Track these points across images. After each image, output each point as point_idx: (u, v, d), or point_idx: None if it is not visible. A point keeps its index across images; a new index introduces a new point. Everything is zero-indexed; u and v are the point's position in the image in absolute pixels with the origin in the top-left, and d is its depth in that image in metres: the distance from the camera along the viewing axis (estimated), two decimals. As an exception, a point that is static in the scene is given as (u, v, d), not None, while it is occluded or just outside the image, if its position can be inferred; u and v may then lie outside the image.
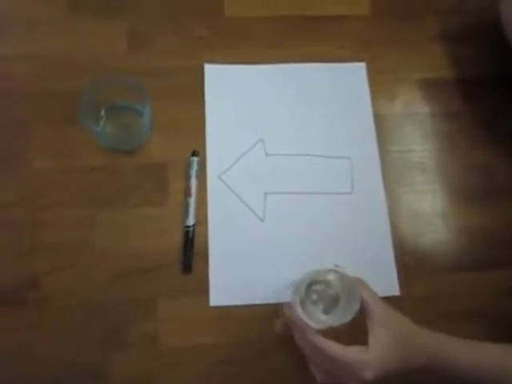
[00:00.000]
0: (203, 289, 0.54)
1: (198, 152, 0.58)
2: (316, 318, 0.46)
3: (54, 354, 0.52)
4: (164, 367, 0.52)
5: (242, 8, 0.66)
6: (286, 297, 0.54)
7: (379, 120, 0.63)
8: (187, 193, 0.57)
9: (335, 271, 0.47)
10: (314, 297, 0.49)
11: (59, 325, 0.53)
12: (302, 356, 0.47)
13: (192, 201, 0.56)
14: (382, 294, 0.55)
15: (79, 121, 0.52)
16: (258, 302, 0.54)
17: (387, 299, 0.55)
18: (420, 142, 0.63)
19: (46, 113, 0.60)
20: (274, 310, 0.54)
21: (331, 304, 0.49)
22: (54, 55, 0.62)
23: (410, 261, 0.57)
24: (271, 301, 0.54)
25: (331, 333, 0.46)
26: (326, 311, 0.49)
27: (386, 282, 0.56)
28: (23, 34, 0.63)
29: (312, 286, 0.49)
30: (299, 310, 0.47)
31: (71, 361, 0.52)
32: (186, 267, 0.54)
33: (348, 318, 0.45)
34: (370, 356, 0.43)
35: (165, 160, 0.59)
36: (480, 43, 0.67)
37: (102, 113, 0.58)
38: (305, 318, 0.48)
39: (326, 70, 0.64)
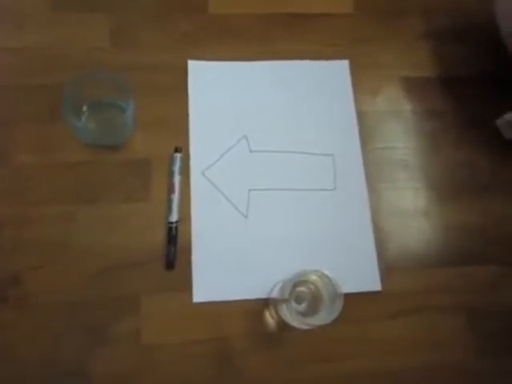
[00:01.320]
0: (186, 285, 0.54)
1: (181, 148, 0.58)
2: (299, 318, 0.47)
3: (36, 353, 0.51)
4: (147, 364, 0.52)
5: (226, 5, 0.66)
6: (272, 293, 0.54)
7: (362, 117, 0.63)
8: (170, 189, 0.57)
9: (320, 272, 0.47)
10: (299, 297, 0.50)
11: (41, 322, 0.52)
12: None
13: (175, 197, 0.56)
14: (363, 288, 0.56)
15: (62, 115, 0.52)
16: (241, 297, 0.54)
17: (368, 294, 0.56)
18: (403, 139, 0.63)
19: (28, 107, 0.59)
20: (259, 306, 0.55)
21: (315, 304, 0.49)
22: (37, 49, 0.61)
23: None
24: (255, 296, 0.55)
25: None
26: (310, 311, 0.49)
27: (367, 277, 0.57)
28: (6, 28, 0.62)
29: (297, 287, 0.50)
30: (284, 310, 0.48)
31: (53, 359, 0.51)
32: (169, 263, 0.54)
33: (331, 318, 0.46)
34: None
35: (148, 156, 0.58)
36: (465, 43, 0.68)
37: (84, 108, 0.58)
38: (288, 318, 0.49)
39: (309, 67, 0.64)
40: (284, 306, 0.48)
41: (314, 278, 0.49)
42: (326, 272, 0.47)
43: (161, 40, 0.63)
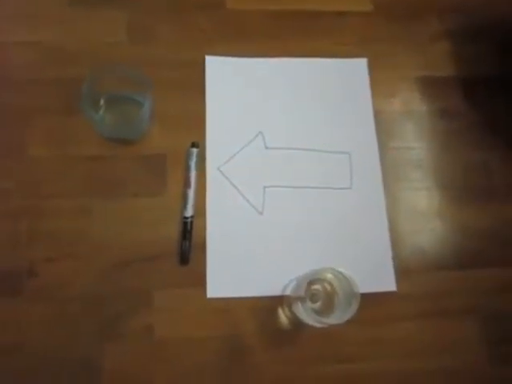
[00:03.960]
0: (200, 280, 0.54)
1: (198, 143, 0.58)
2: (314, 316, 0.46)
3: (49, 345, 0.51)
4: (160, 359, 0.52)
5: (244, 1, 0.66)
6: (286, 291, 0.54)
7: (379, 116, 0.63)
8: (186, 184, 0.56)
9: (335, 271, 0.47)
10: (314, 295, 0.50)
11: (54, 315, 0.52)
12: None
13: (191, 192, 0.56)
14: (378, 289, 0.56)
15: (79, 108, 0.52)
16: (255, 294, 0.54)
17: (383, 294, 0.56)
18: (418, 139, 0.63)
19: (45, 101, 0.59)
20: (272, 303, 0.54)
21: (330, 303, 0.49)
22: (55, 44, 0.61)
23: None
24: (268, 293, 0.54)
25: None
26: (325, 310, 0.49)
27: (382, 276, 0.56)
28: (25, 24, 0.62)
29: (312, 285, 0.50)
30: (298, 308, 0.48)
31: (66, 352, 0.51)
32: (184, 258, 0.54)
33: (346, 317, 0.45)
34: None
35: (164, 151, 0.58)
36: (481, 43, 0.67)
37: (102, 102, 0.58)
38: (302, 316, 0.48)
39: (327, 64, 0.64)
40: (299, 304, 0.48)
41: (329, 276, 0.49)
42: (342, 270, 0.46)
43: (178, 35, 0.63)
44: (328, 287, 0.49)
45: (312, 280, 0.48)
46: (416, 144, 0.63)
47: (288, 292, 0.54)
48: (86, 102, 0.53)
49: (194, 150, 0.57)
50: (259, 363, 0.53)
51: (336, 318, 0.46)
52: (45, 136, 0.58)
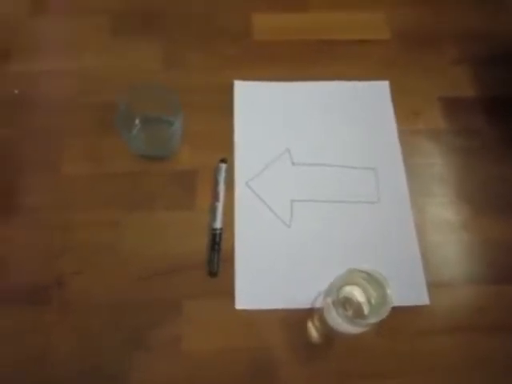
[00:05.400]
0: (229, 292, 0.54)
1: (227, 159, 0.60)
2: (350, 319, 0.45)
3: (76, 355, 0.51)
4: (187, 371, 0.51)
5: (269, 32, 0.70)
6: (315, 304, 0.53)
7: (402, 135, 0.64)
8: (215, 197, 0.58)
9: (363, 273, 0.46)
10: (346, 299, 0.49)
11: (82, 325, 0.52)
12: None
13: (219, 205, 0.57)
14: (411, 302, 0.54)
15: (115, 126, 0.55)
16: (283, 306, 0.53)
17: (417, 308, 0.54)
18: (441, 155, 0.64)
19: (82, 123, 0.63)
20: (301, 316, 0.53)
21: (362, 305, 0.48)
22: (93, 71, 0.66)
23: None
24: (297, 306, 0.53)
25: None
26: (359, 312, 0.48)
27: (415, 290, 0.55)
28: (68, 53, 0.68)
29: (342, 289, 0.49)
30: (333, 314, 0.46)
31: (92, 362, 0.51)
32: (212, 270, 0.54)
33: (382, 316, 0.44)
34: None
35: (194, 167, 0.60)
36: (500, 66, 0.69)
37: (137, 122, 0.61)
38: (337, 322, 0.47)
39: (351, 86, 0.66)
40: (331, 310, 0.47)
41: (358, 280, 0.48)
42: (369, 269, 0.46)
43: (208, 63, 0.68)
44: (360, 291, 0.48)
45: (343, 284, 0.47)
46: (439, 160, 0.63)
47: (317, 305, 0.53)
48: (122, 122, 0.56)
49: (223, 166, 0.59)
50: (287, 376, 0.51)
51: (368, 322, 0.45)
52: (80, 155, 0.61)
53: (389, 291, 0.44)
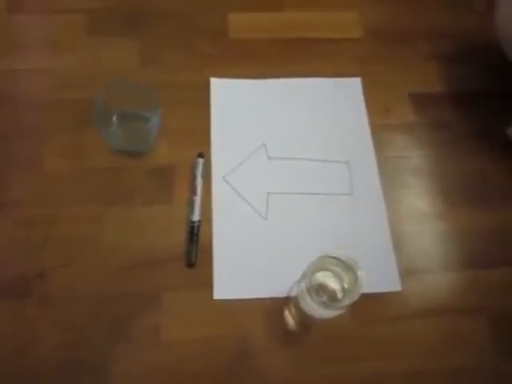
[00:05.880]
0: (207, 283, 0.55)
1: (204, 153, 0.61)
2: (324, 303, 0.47)
3: (58, 348, 0.52)
4: (168, 361, 0.52)
5: (245, 31, 0.72)
6: (291, 293, 0.55)
7: (374, 129, 0.66)
8: (193, 192, 0.59)
9: (336, 258, 0.48)
10: (318, 287, 0.50)
11: (63, 318, 0.53)
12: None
13: (197, 199, 0.58)
14: (383, 289, 0.56)
15: (93, 124, 0.56)
16: (260, 295, 0.55)
17: (389, 294, 0.56)
18: (413, 149, 0.66)
19: (61, 120, 0.63)
20: (278, 304, 0.55)
21: (334, 294, 0.50)
22: (71, 69, 0.67)
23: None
24: (274, 295, 0.55)
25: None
26: (333, 297, 0.49)
27: (387, 278, 0.57)
28: (45, 52, 0.68)
29: (315, 275, 0.50)
30: (308, 300, 0.48)
31: (74, 354, 0.52)
32: (191, 261, 0.55)
33: (351, 301, 0.45)
34: None
35: (171, 162, 0.62)
36: (469, 62, 0.72)
37: (114, 118, 0.62)
38: (313, 309, 0.48)
39: (324, 83, 0.68)
40: (305, 297, 0.48)
41: (332, 267, 0.49)
42: (338, 255, 0.47)
43: (185, 61, 0.69)
44: (331, 276, 0.50)
45: (316, 270, 0.49)
46: (411, 153, 0.66)
47: (293, 293, 0.54)
48: (100, 118, 0.57)
49: (200, 160, 0.60)
50: (266, 364, 0.52)
51: (341, 306, 0.47)
52: (60, 151, 0.62)
53: (359, 273, 0.46)
